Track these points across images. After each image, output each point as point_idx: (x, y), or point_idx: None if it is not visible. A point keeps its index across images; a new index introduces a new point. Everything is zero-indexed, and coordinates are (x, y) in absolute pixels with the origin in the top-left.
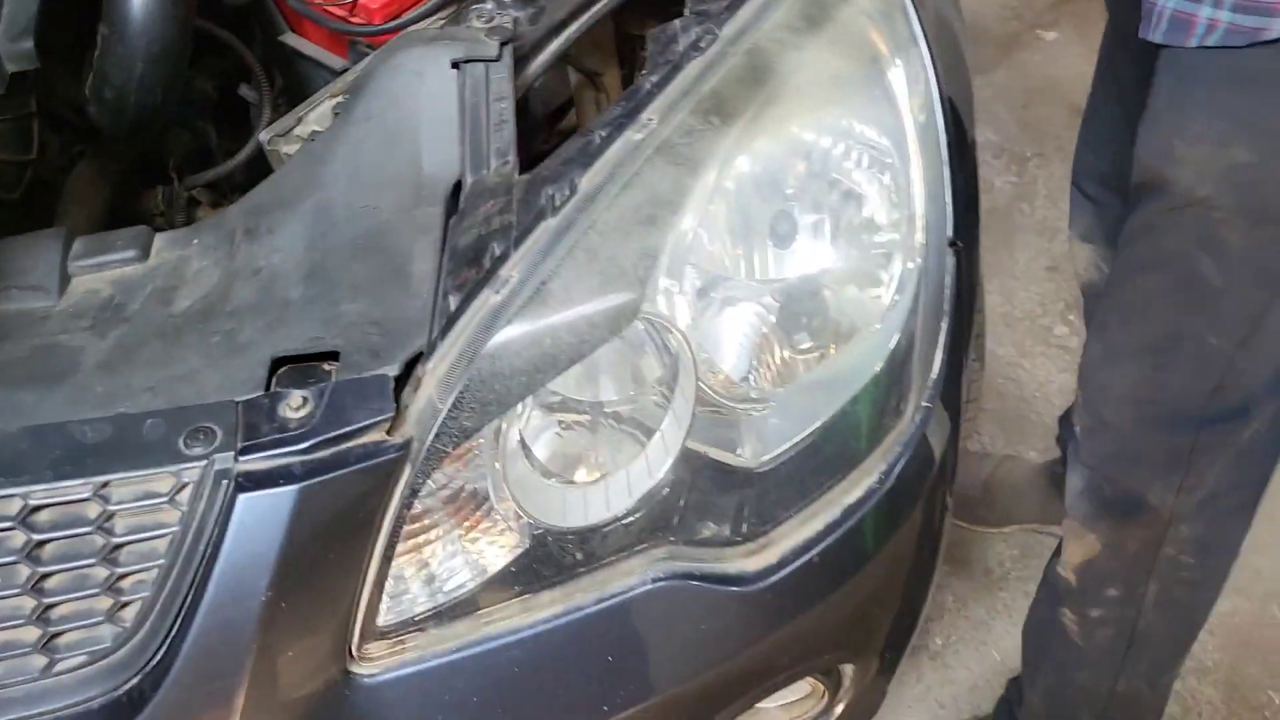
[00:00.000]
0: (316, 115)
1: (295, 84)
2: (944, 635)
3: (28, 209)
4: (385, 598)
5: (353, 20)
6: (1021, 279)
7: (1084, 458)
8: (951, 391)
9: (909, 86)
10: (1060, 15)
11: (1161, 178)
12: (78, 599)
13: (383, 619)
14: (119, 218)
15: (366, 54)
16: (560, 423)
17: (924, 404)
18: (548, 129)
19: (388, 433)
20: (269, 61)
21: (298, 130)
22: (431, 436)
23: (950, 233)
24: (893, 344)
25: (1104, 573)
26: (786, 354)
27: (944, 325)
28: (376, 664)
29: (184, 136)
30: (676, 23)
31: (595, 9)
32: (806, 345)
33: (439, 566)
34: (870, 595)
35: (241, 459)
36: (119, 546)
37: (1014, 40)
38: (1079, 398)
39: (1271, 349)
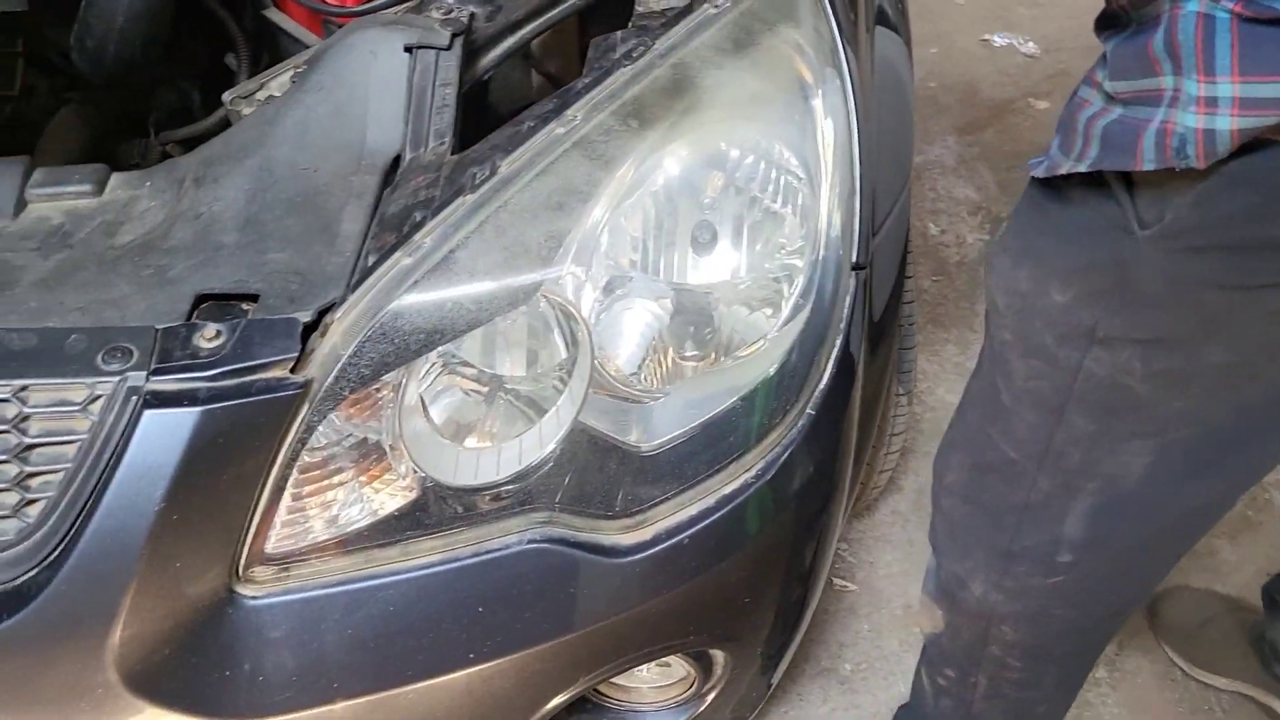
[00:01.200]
0: (277, 83)
1: (276, 57)
2: (854, 662)
3: (8, 143)
4: (277, 525)
5: (329, 1)
6: (979, 333)
7: (930, 536)
8: (837, 403)
9: (829, 116)
10: (1055, 86)
11: (984, 274)
12: None
13: (272, 546)
14: (93, 162)
15: None
16: (460, 388)
17: (809, 411)
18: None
19: (291, 371)
20: (256, 34)
21: (259, 94)
22: (330, 379)
23: (855, 258)
24: (785, 354)
25: (945, 651)
26: (674, 357)
27: (837, 342)
28: (261, 587)
29: (168, 95)
30: (618, 34)
31: (550, 15)
32: (691, 354)
33: (339, 509)
34: (741, 584)
35: (152, 379)
36: (30, 447)
37: (1006, 105)
38: (933, 473)
39: (1066, 476)
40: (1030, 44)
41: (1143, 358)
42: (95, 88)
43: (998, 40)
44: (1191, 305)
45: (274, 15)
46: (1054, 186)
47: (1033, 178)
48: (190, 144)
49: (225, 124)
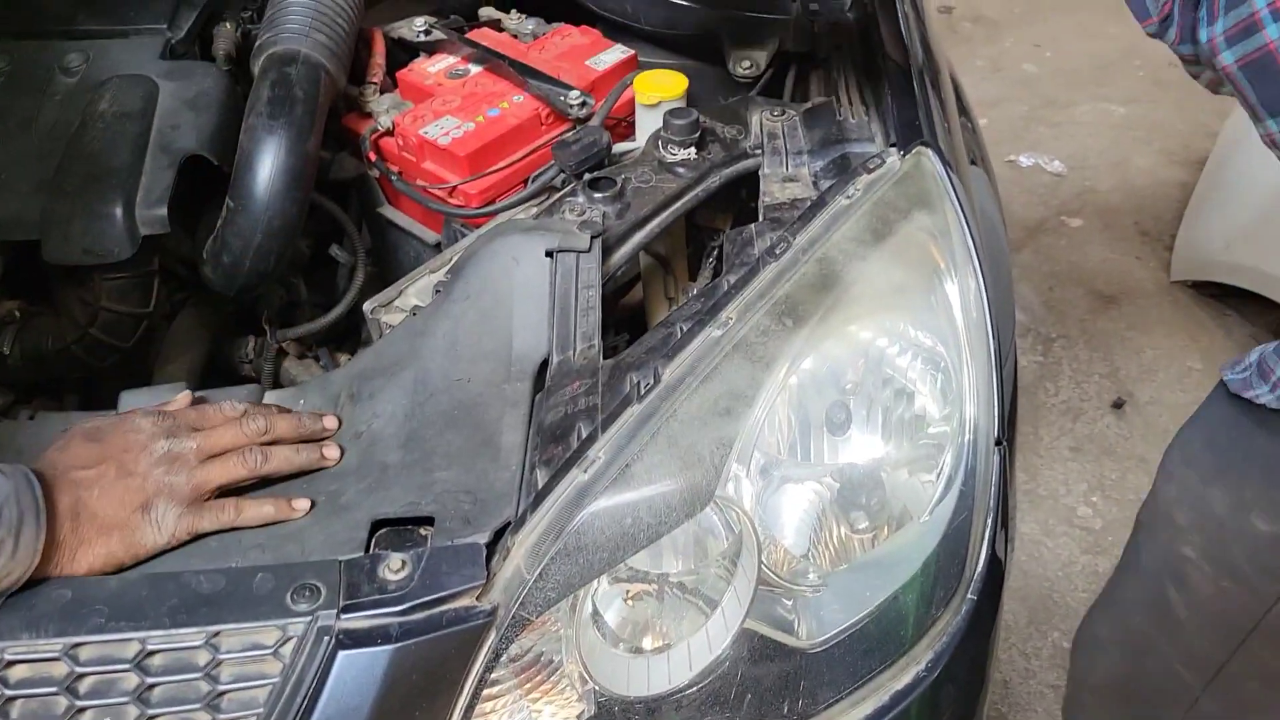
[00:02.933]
0: (416, 289)
1: (385, 250)
2: None
3: (131, 350)
4: None
5: (451, 202)
6: (1045, 458)
7: (1064, 715)
8: (994, 586)
9: (962, 297)
10: (1085, 204)
11: (1158, 479)
12: None
13: None
14: (211, 364)
15: (461, 231)
16: (627, 592)
17: (970, 596)
18: (613, 303)
19: (477, 599)
20: (360, 228)
21: (398, 302)
22: (517, 604)
23: (997, 433)
24: (940, 536)
25: None
26: (844, 532)
27: (988, 521)
28: None
29: (278, 292)
30: (752, 227)
31: (674, 208)
32: (863, 525)
33: None
34: None
35: (343, 617)
36: (222, 694)
37: (1039, 225)
38: (1071, 663)
39: (1238, 704)
40: (1056, 163)
41: None
42: (207, 289)
43: (1024, 161)
44: None
45: (388, 212)
46: (1252, 404)
47: (1227, 389)
48: (303, 339)
49: (341, 323)
